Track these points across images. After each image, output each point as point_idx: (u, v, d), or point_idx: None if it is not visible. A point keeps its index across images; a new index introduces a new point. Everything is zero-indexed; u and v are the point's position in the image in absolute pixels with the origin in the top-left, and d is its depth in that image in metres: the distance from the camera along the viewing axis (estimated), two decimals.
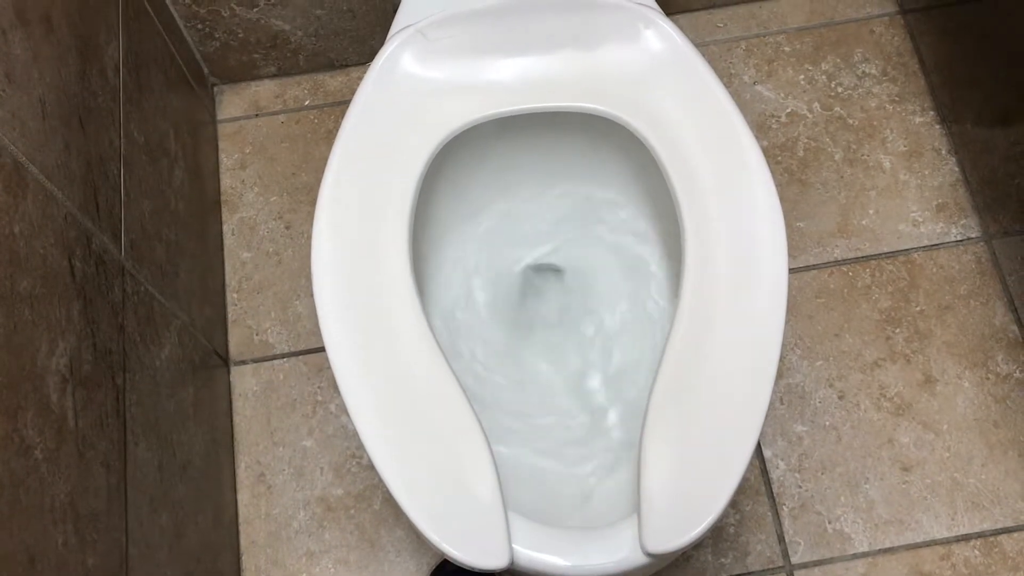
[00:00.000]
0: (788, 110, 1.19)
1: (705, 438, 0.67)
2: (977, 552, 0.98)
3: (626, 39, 0.77)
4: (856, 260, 1.11)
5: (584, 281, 0.91)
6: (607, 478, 0.79)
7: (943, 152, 1.16)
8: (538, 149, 0.87)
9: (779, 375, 1.06)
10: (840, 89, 1.20)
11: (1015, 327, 1.07)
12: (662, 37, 0.77)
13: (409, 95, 0.76)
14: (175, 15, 1.07)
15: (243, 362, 1.09)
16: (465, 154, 0.83)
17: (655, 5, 0.80)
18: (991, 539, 0.99)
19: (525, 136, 0.85)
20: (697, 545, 0.94)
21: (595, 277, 0.91)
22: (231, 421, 1.05)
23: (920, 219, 1.13)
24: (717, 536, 0.99)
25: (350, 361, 0.69)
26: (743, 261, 0.71)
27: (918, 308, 1.08)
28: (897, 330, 1.07)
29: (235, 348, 1.09)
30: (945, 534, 0.99)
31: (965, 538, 0.99)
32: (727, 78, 1.21)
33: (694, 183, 0.73)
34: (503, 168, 0.89)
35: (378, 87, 0.76)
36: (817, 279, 1.10)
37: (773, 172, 1.14)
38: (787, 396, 1.05)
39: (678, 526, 0.64)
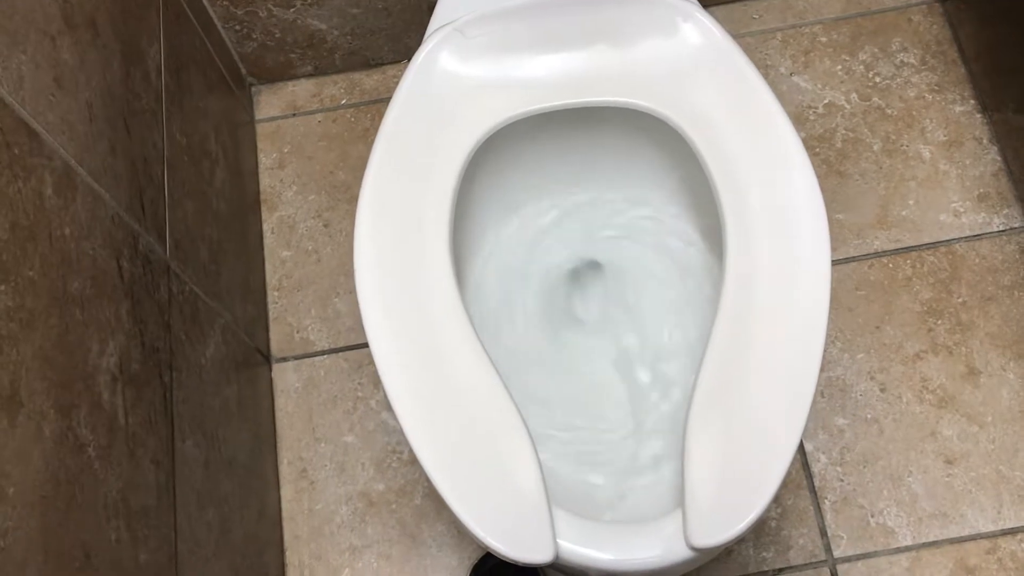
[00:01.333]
0: (825, 101, 1.18)
1: (749, 433, 0.66)
2: None
3: (664, 33, 0.77)
4: (896, 252, 1.10)
5: (625, 277, 0.91)
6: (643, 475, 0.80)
7: (984, 141, 1.14)
8: (577, 145, 0.87)
9: (822, 368, 1.05)
10: (878, 79, 1.19)
11: None
12: (701, 30, 0.76)
13: (448, 93, 0.77)
14: (213, 17, 1.09)
15: (284, 359, 1.10)
16: (504, 151, 0.83)
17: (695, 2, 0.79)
18: None
19: (564, 132, 0.85)
20: (739, 540, 0.94)
21: (636, 273, 0.91)
22: (273, 417, 1.07)
23: (961, 209, 1.11)
24: (759, 530, 0.99)
25: (393, 358, 0.69)
26: (785, 255, 0.71)
27: (960, 299, 1.07)
28: (939, 321, 1.06)
29: (276, 345, 1.11)
30: (991, 528, 0.98)
31: (1012, 532, 0.98)
32: (763, 69, 1.20)
33: (735, 178, 0.73)
34: (542, 164, 0.89)
35: (417, 85, 0.77)
36: (857, 271, 1.09)
37: (818, 170, 1.14)
38: (828, 389, 1.04)
39: (722, 521, 0.64)
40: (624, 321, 0.88)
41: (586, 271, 0.93)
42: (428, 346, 0.70)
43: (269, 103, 1.23)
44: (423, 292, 0.72)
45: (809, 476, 1.01)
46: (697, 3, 0.79)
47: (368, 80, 1.24)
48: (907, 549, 0.98)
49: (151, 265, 0.77)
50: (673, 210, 0.88)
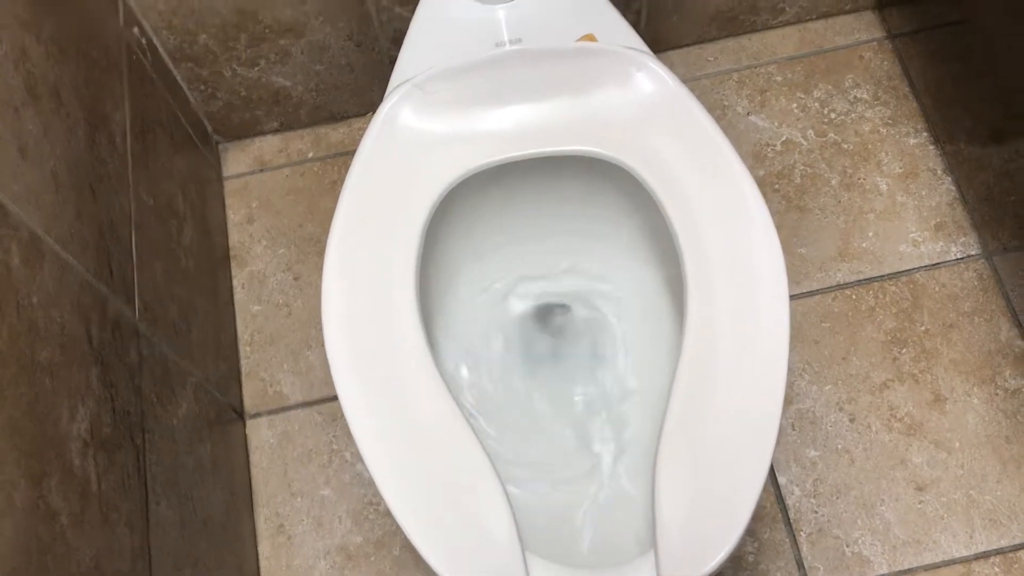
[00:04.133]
0: (783, 138, 1.21)
1: (716, 472, 0.67)
2: (997, 569, 0.98)
3: (618, 83, 0.79)
4: (859, 283, 1.12)
5: (592, 319, 0.93)
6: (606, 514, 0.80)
7: (938, 172, 1.17)
8: (539, 193, 0.89)
9: (789, 401, 1.07)
10: (833, 115, 1.22)
11: (1020, 342, 1.07)
12: (653, 79, 0.78)
13: (409, 147, 0.78)
14: (178, 78, 1.10)
15: (258, 414, 1.10)
16: (468, 201, 0.84)
17: (645, 48, 0.82)
18: (1011, 555, 0.99)
19: (527, 180, 0.87)
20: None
21: (603, 315, 0.92)
22: (249, 474, 1.06)
23: (920, 239, 1.14)
24: (736, 565, 1.00)
25: (363, 412, 0.70)
26: (744, 292, 0.72)
27: (923, 327, 1.09)
28: (903, 350, 1.08)
29: (250, 401, 1.11)
30: (964, 552, 0.99)
31: (984, 555, 0.99)
32: (720, 110, 1.23)
33: (693, 221, 0.75)
34: (507, 212, 0.90)
35: (379, 141, 0.78)
36: (821, 304, 1.11)
37: (771, 200, 1.16)
38: (798, 422, 1.06)
39: (695, 558, 0.65)
40: (591, 362, 0.89)
41: (554, 314, 0.94)
42: (397, 398, 0.71)
43: (236, 159, 1.24)
44: (391, 344, 0.72)
45: (784, 509, 1.02)
46: (650, 53, 0.81)
47: (334, 134, 1.25)
48: None
49: (120, 329, 0.78)
50: (636, 253, 0.90)
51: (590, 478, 0.82)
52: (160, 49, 1.05)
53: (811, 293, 1.12)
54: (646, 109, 0.78)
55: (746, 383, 0.69)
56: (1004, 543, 0.99)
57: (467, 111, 0.80)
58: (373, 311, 0.74)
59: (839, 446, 1.04)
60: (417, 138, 0.79)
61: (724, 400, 0.69)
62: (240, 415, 1.09)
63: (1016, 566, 0.98)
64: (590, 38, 0.82)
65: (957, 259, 1.13)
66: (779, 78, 1.25)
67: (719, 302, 0.72)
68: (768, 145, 1.21)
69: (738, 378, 0.70)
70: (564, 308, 0.94)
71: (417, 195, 0.77)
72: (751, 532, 1.01)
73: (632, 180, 0.78)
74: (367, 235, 0.76)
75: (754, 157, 1.20)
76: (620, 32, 0.82)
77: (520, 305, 0.94)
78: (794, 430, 1.05)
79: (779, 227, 1.13)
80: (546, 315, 0.94)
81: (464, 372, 0.89)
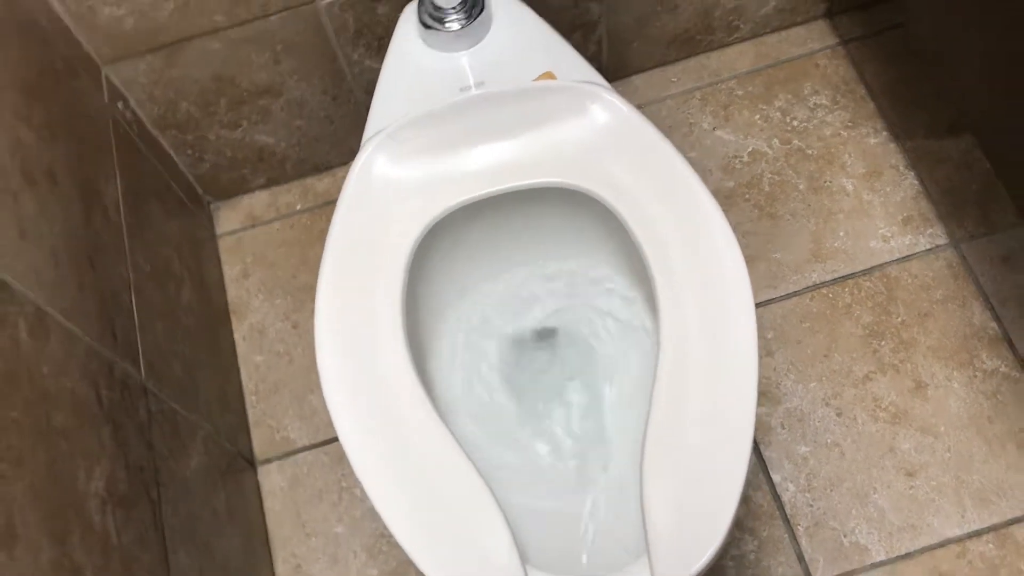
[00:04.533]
0: (749, 149, 1.26)
1: (700, 473, 0.71)
2: (991, 546, 1.02)
3: (576, 115, 0.83)
4: (834, 281, 1.16)
5: (578, 341, 0.97)
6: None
7: (901, 168, 1.22)
8: (517, 224, 0.93)
9: (777, 401, 1.10)
10: (795, 123, 1.26)
11: (994, 324, 1.11)
12: (608, 109, 0.83)
13: (386, 195, 0.83)
14: (165, 146, 1.15)
15: (268, 460, 1.14)
16: (448, 239, 0.89)
17: (601, 80, 0.86)
18: (1003, 531, 1.02)
19: (503, 214, 0.91)
20: (717, 574, 0.99)
21: (588, 336, 0.96)
22: (263, 519, 1.10)
23: (889, 234, 1.18)
24: (739, 564, 1.03)
25: (363, 449, 0.74)
26: (712, 304, 0.76)
27: (899, 319, 1.13)
28: (883, 342, 1.12)
29: (259, 448, 1.15)
30: (957, 532, 1.02)
31: (977, 534, 1.02)
32: (687, 127, 1.28)
33: (657, 238, 0.79)
34: (487, 246, 0.95)
35: (357, 192, 0.83)
36: (800, 305, 1.15)
37: (743, 209, 1.21)
38: (787, 420, 1.09)
39: (686, 558, 0.69)
40: (581, 382, 0.93)
41: (542, 338, 0.98)
42: (394, 433, 0.75)
43: (228, 217, 1.29)
44: (384, 383, 0.77)
45: (780, 506, 1.05)
46: (605, 84, 0.86)
47: (320, 184, 1.30)
48: (882, 564, 1.02)
49: (128, 389, 0.82)
50: (612, 274, 0.94)
51: (585, 489, 0.86)
52: (145, 120, 1.10)
53: (789, 295, 1.16)
54: (604, 138, 0.83)
55: (720, 391, 0.73)
56: (996, 520, 1.03)
57: (438, 155, 0.84)
58: (365, 354, 0.78)
59: (828, 440, 1.08)
60: (392, 185, 0.83)
61: (700, 407, 0.73)
62: (251, 463, 1.13)
63: (1009, 541, 1.01)
64: (549, 75, 0.87)
65: (926, 250, 1.17)
66: (740, 92, 1.29)
67: (689, 316, 0.76)
68: (736, 157, 1.25)
69: (712, 386, 0.73)
70: (551, 332, 0.98)
71: (397, 239, 0.81)
72: (751, 531, 1.05)
73: (601, 206, 0.82)
74: (353, 283, 0.80)
75: (723, 170, 1.24)
76: (576, 67, 0.87)
77: (510, 331, 0.98)
78: (784, 429, 1.09)
79: (753, 234, 1.18)
80: (535, 340, 0.98)
81: (459, 400, 0.93)
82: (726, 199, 1.22)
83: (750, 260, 1.18)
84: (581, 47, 1.02)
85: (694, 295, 0.77)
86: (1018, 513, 1.03)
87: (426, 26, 0.86)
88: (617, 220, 0.82)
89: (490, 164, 0.84)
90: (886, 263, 1.17)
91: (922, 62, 1.13)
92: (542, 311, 0.98)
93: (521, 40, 0.89)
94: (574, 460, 0.89)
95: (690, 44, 1.29)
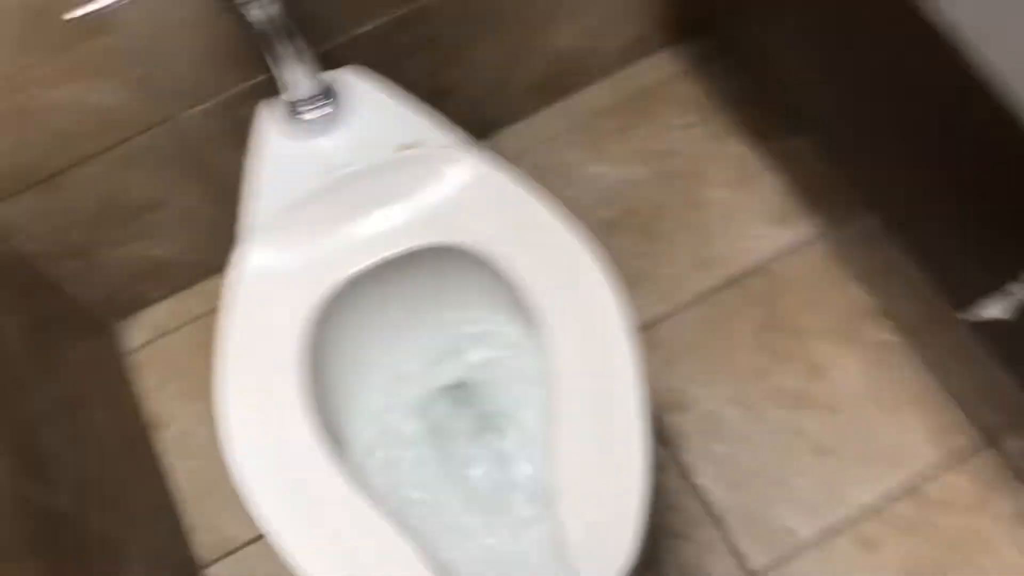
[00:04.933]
0: (623, 179, 1.33)
1: (607, 490, 0.76)
2: (908, 503, 1.08)
3: (438, 179, 0.89)
4: (721, 287, 1.23)
5: (486, 391, 1.01)
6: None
7: (764, 171, 1.30)
8: (406, 292, 0.97)
9: (687, 408, 1.16)
10: (662, 146, 1.34)
11: (870, 298, 1.19)
12: (467, 168, 0.89)
13: (268, 286, 0.87)
14: (59, 275, 1.17)
15: (213, 562, 1.15)
16: (341, 316, 0.93)
17: (466, 141, 0.92)
18: (916, 489, 1.08)
19: (391, 284, 0.95)
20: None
21: (494, 386, 1.01)
22: None
23: (764, 234, 1.26)
24: (680, 571, 1.07)
25: (289, 535, 0.77)
26: (593, 331, 0.81)
27: (786, 310, 1.20)
28: (775, 335, 1.19)
29: (203, 551, 1.16)
30: (874, 498, 1.08)
31: (896, 496, 1.08)
32: (562, 168, 1.34)
33: (532, 281, 0.84)
34: (382, 317, 0.98)
35: (238, 290, 0.87)
36: (693, 314, 1.22)
37: (625, 236, 1.27)
38: (700, 424, 1.15)
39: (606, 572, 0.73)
40: (492, 429, 0.97)
41: (451, 393, 1.02)
42: (315, 514, 0.78)
43: (136, 332, 1.31)
44: (299, 467, 0.80)
45: (707, 506, 1.10)
46: (465, 145, 0.91)
47: (220, 284, 1.33)
48: (812, 541, 1.07)
49: (53, 521, 0.83)
50: (505, 321, 0.99)
51: (511, 528, 0.90)
52: (35, 254, 1.12)
53: (682, 308, 1.22)
54: (469, 195, 0.88)
55: (611, 415, 0.78)
56: (906, 479, 1.09)
57: (313, 239, 0.89)
58: (275, 442, 0.81)
59: (742, 436, 1.13)
60: (273, 276, 0.87)
61: (596, 434, 0.77)
62: (196, 568, 1.14)
63: (921, 496, 1.08)
64: (411, 146, 0.92)
65: (801, 242, 1.24)
66: (607, 126, 1.37)
67: (573, 346, 0.81)
68: (612, 188, 1.32)
69: (604, 412, 0.78)
70: (459, 386, 1.02)
71: (288, 326, 0.85)
72: (685, 536, 1.09)
73: (479, 260, 0.87)
74: (251, 375, 0.84)
75: (603, 201, 1.31)
76: (440, 133, 0.92)
77: (417, 392, 1.01)
78: (699, 433, 1.14)
79: (640, 256, 1.25)
80: (445, 396, 1.02)
81: (377, 463, 0.96)
82: (609, 228, 1.29)
83: (639, 281, 1.24)
84: (446, 111, 1.08)
85: (575, 332, 0.82)
86: (926, 469, 1.09)
87: (286, 119, 0.91)
88: (496, 271, 0.87)
89: (364, 238, 0.89)
90: (766, 261, 1.24)
91: (761, 71, 1.22)
92: (445, 368, 1.02)
93: (380, 116, 0.94)
94: (493, 505, 0.92)
95: (550, 90, 1.37)
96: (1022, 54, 0.68)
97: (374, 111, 0.94)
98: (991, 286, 0.83)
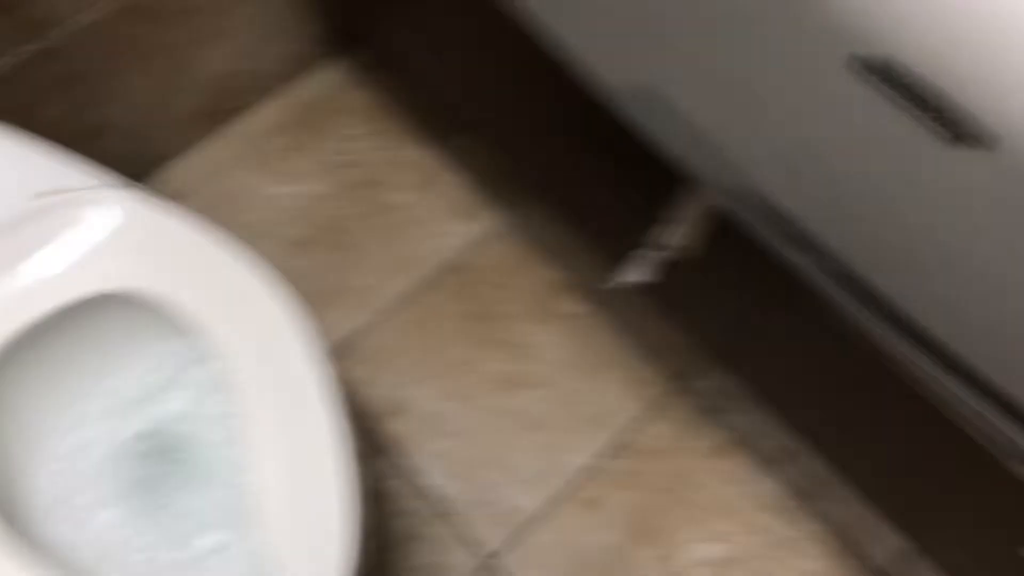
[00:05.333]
0: (305, 196, 1.31)
1: (310, 513, 0.74)
2: (621, 460, 1.15)
3: (84, 223, 0.83)
4: (419, 287, 1.25)
5: (178, 445, 0.96)
6: None
7: (442, 170, 1.33)
8: (72, 346, 0.90)
9: (404, 411, 1.16)
10: (340, 157, 1.33)
11: (557, 274, 1.25)
12: (116, 209, 0.83)
13: None
14: None
15: None
16: (7, 383, 0.84)
17: (111, 181, 0.86)
18: (628, 442, 1.16)
19: (49, 341, 0.88)
20: None
21: (186, 438, 0.96)
22: None
23: (452, 231, 1.29)
24: (419, 572, 1.08)
25: None
26: (274, 358, 0.80)
27: (485, 299, 1.24)
28: (478, 324, 1.22)
29: None
30: (589, 460, 1.14)
31: (608, 454, 1.15)
32: (242, 193, 1.30)
33: (207, 315, 0.81)
34: (49, 374, 0.91)
35: None
36: (396, 318, 1.22)
37: (317, 252, 1.26)
38: (421, 424, 1.16)
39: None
40: (188, 486, 0.92)
41: (144, 451, 0.96)
42: None
43: None
44: None
45: (436, 503, 1.11)
46: (111, 186, 0.85)
47: None
48: (541, 513, 1.11)
49: None
50: (187, 363, 0.94)
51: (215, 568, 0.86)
52: None
53: (384, 314, 1.23)
54: (120, 238, 0.83)
55: (303, 437, 0.77)
56: (614, 435, 1.16)
57: None
58: None
59: (460, 429, 1.16)
60: None
61: (291, 459, 0.76)
62: None
63: (630, 449, 1.15)
64: (51, 193, 0.86)
65: (488, 233, 1.28)
66: (281, 145, 1.34)
67: (255, 379, 0.79)
68: (294, 207, 1.30)
69: (297, 436, 0.77)
70: (153, 434, 0.96)
71: None
72: (420, 537, 1.10)
73: (146, 304, 0.82)
74: None
75: (294, 220, 1.28)
76: (79, 177, 0.86)
77: (107, 447, 0.94)
78: (419, 434, 1.15)
79: (333, 270, 1.24)
80: (138, 446, 0.96)
81: (68, 537, 0.88)
82: (298, 248, 1.27)
83: (337, 294, 1.23)
84: (102, 150, 1.01)
85: (255, 362, 0.80)
86: (631, 422, 1.17)
87: None
88: (164, 313, 0.83)
89: (11, 298, 0.81)
90: (458, 256, 1.27)
91: (416, 81, 1.25)
92: (132, 419, 0.95)
93: (10, 165, 0.86)
94: (192, 550, 0.88)
95: (215, 116, 1.32)
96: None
97: (6, 162, 0.87)
98: (628, 252, 0.90)
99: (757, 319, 0.93)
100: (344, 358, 1.20)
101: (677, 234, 0.84)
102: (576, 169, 0.97)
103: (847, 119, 0.51)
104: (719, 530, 1.12)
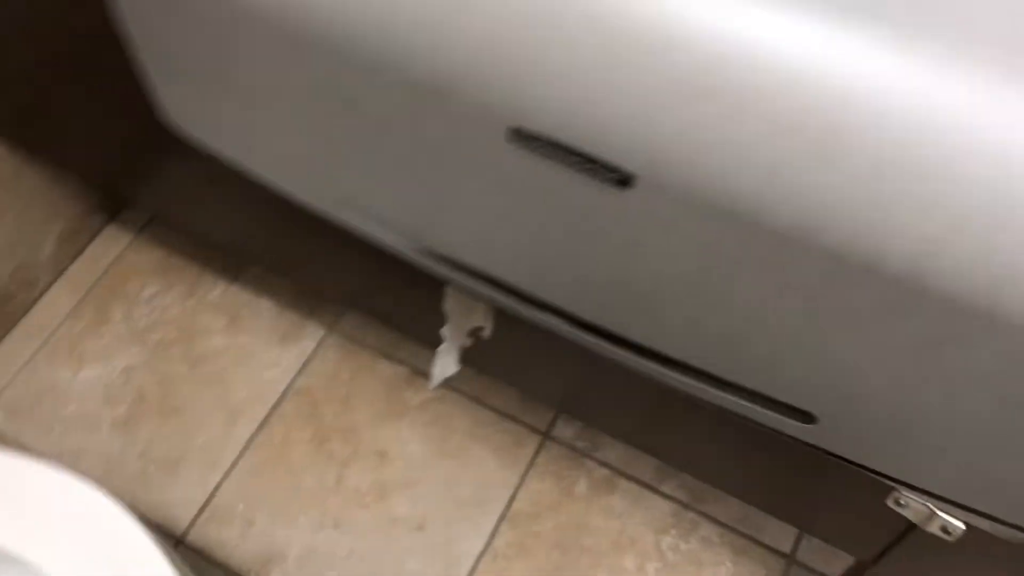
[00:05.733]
0: (120, 369, 1.25)
1: None
2: (517, 529, 1.13)
3: None
4: (262, 425, 1.20)
5: None
6: None
7: (244, 305, 1.30)
8: None
9: (282, 557, 1.11)
10: (144, 321, 1.28)
11: (394, 369, 1.24)
12: None
13: None
14: None
15: None
16: None
17: None
18: (516, 511, 1.14)
19: None
20: None
21: None
22: None
23: (276, 360, 1.25)
24: None
25: None
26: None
27: (330, 416, 1.21)
28: (332, 444, 1.19)
29: None
30: (485, 542, 1.12)
31: (500, 530, 1.13)
32: (61, 387, 1.23)
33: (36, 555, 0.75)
34: None
35: None
36: (248, 465, 1.18)
37: (148, 422, 1.20)
38: (301, 565, 1.11)
39: None
40: None
41: None
42: None
43: None
44: None
45: None
46: None
47: None
48: None
49: None
50: None
51: None
52: None
53: (234, 465, 1.18)
54: None
55: None
56: (500, 509, 1.14)
57: None
58: None
59: (345, 554, 1.12)
60: None
61: None
62: None
63: (521, 515, 1.14)
64: None
65: (312, 351, 1.26)
66: (82, 325, 1.28)
67: None
68: (112, 386, 1.24)
69: None
70: None
71: None
72: None
73: None
74: None
75: (106, 403, 1.22)
76: None
77: None
78: (303, 571, 1.11)
79: (169, 437, 1.19)
80: None
81: None
82: (129, 425, 1.20)
83: (181, 460, 1.17)
84: None
85: None
86: (508, 491, 1.16)
87: None
88: None
89: None
90: (291, 380, 1.24)
91: (190, 226, 1.22)
92: None
93: None
94: None
95: (9, 315, 1.25)
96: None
97: None
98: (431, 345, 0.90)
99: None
100: (207, 523, 1.14)
101: (462, 323, 0.84)
102: (370, 276, 0.97)
103: (530, 187, 0.53)
104: (628, 566, 1.12)
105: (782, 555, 1.13)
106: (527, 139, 0.48)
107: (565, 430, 1.20)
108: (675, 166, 0.45)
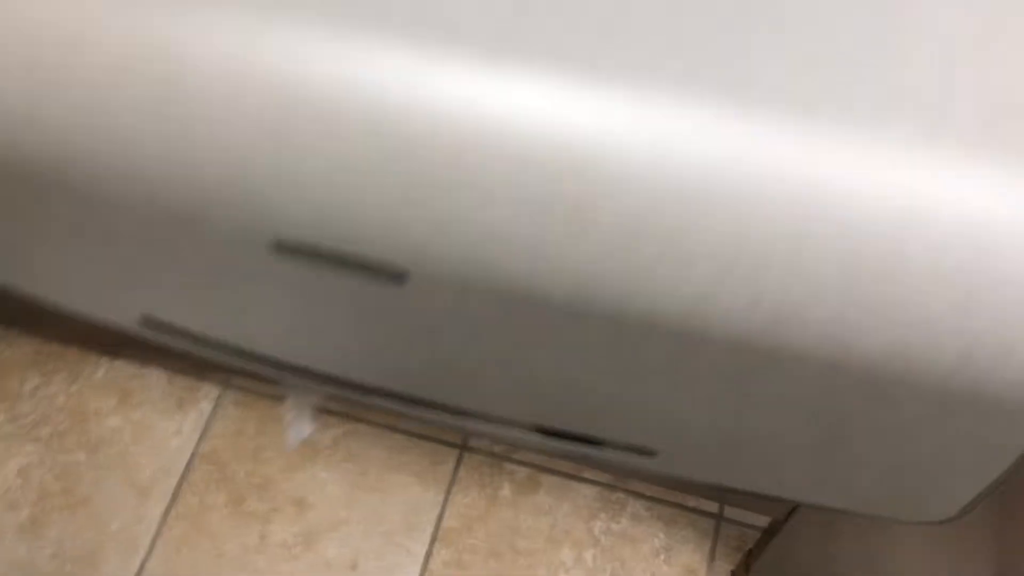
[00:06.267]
0: (14, 470, 1.20)
1: None
2: (452, 547, 1.12)
3: None
4: (175, 498, 1.17)
5: None
6: None
7: (130, 379, 1.25)
8: None
9: None
10: (30, 416, 1.23)
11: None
12: None
13: None
14: None
15: None
16: None
17: None
18: (448, 528, 1.13)
19: None
20: None
21: None
22: None
23: (175, 428, 1.22)
24: None
25: None
26: None
27: (243, 473, 1.18)
28: (248, 502, 1.16)
29: None
30: (422, 566, 1.11)
31: (436, 551, 1.12)
32: None
33: None
34: None
35: None
36: (166, 542, 1.15)
37: (55, 519, 1.16)
38: None
39: None
40: None
41: None
42: None
43: None
44: None
45: None
46: None
47: None
48: None
49: None
50: None
51: None
52: None
53: (153, 544, 1.15)
54: None
55: None
56: (432, 530, 1.13)
57: None
58: None
59: None
60: None
61: None
62: None
63: (454, 532, 1.13)
64: None
65: (210, 413, 1.22)
66: None
67: None
68: (10, 490, 1.19)
69: None
70: None
71: None
72: None
73: None
74: None
75: (8, 508, 1.17)
76: None
77: None
78: None
79: (81, 532, 1.15)
80: None
81: None
82: (34, 527, 1.16)
83: (98, 550, 1.14)
84: None
85: None
86: (440, 508, 1.14)
87: None
88: None
89: None
90: (194, 447, 1.20)
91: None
92: None
93: None
94: None
95: None
96: None
97: None
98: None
99: None
100: None
101: (301, 396, 0.83)
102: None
103: (319, 290, 0.51)
104: (566, 559, 1.12)
105: (711, 515, 1.13)
106: (292, 250, 0.46)
107: (481, 438, 1.19)
108: (440, 259, 0.43)
